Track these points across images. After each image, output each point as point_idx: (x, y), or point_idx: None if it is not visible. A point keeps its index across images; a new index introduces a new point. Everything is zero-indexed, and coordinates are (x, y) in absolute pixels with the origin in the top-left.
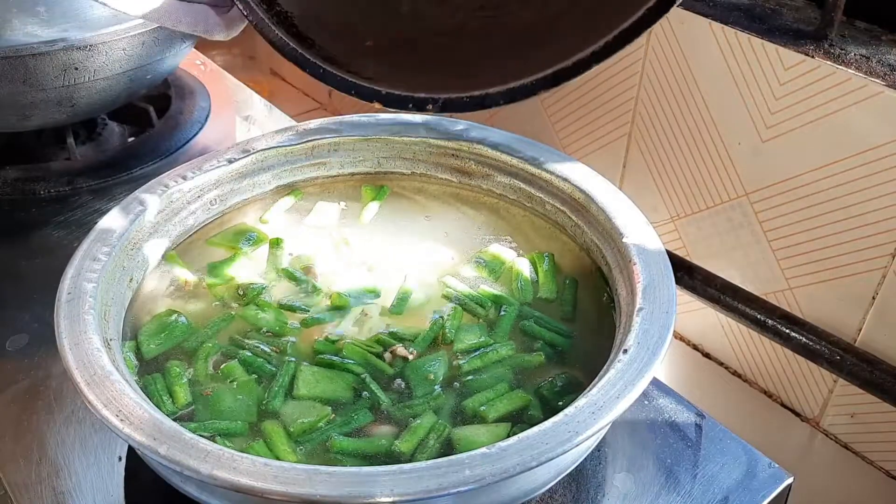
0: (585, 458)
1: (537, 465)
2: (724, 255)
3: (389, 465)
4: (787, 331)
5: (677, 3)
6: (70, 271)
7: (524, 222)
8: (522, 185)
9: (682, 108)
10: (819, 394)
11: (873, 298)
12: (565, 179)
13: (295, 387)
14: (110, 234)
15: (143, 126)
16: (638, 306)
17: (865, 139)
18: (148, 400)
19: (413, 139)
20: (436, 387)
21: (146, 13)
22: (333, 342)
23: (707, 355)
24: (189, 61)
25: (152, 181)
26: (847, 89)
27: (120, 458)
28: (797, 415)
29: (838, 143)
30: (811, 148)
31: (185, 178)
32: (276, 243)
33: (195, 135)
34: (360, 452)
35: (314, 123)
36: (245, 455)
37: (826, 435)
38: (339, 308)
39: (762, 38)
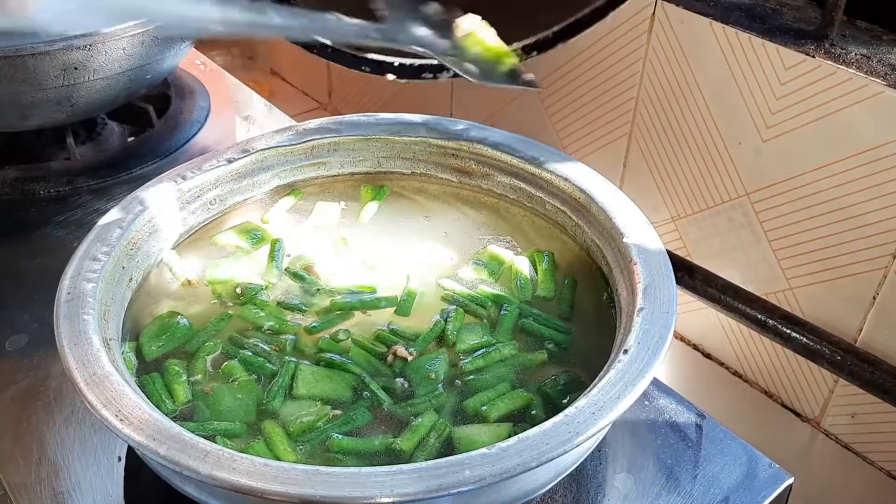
0: (586, 459)
1: (537, 466)
2: (724, 255)
3: (389, 466)
4: (788, 331)
5: None
6: (70, 271)
7: (524, 222)
8: (523, 185)
9: (682, 107)
10: (820, 394)
11: (874, 299)
12: (566, 179)
13: (294, 386)
14: (110, 234)
15: (142, 126)
16: (638, 306)
17: (866, 139)
18: (147, 400)
19: (413, 139)
20: (437, 386)
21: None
22: (337, 341)
23: (707, 355)
24: (189, 61)
25: (152, 181)
26: (848, 89)
27: (119, 459)
28: (798, 415)
29: (839, 143)
30: (812, 148)
31: (184, 177)
32: (277, 243)
33: (195, 135)
34: (360, 451)
35: (314, 123)
36: (244, 455)
37: (827, 435)
38: (340, 310)
39: (763, 38)
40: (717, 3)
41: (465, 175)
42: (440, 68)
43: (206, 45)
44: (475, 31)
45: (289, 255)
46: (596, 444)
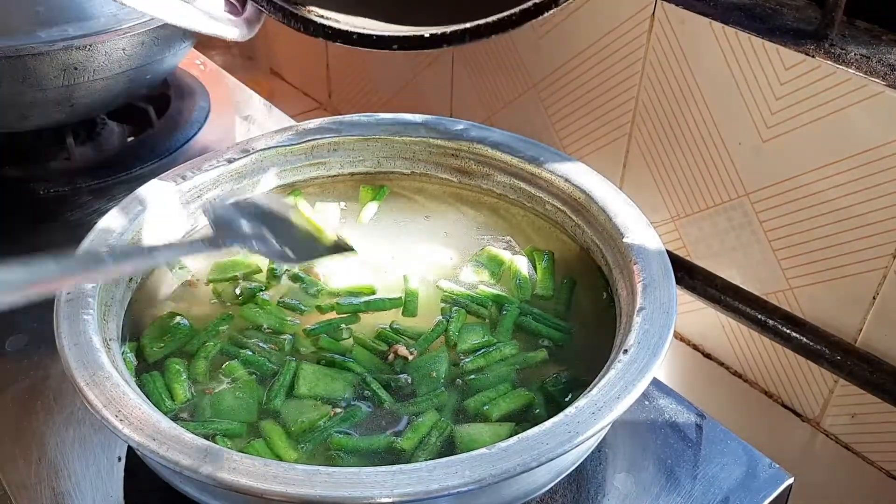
0: (586, 459)
1: (538, 466)
2: (724, 255)
3: (389, 466)
4: (788, 331)
5: None
6: None
7: (524, 222)
8: (522, 185)
9: (682, 107)
10: (820, 394)
11: (874, 299)
12: (566, 179)
13: (296, 385)
14: (110, 234)
15: (142, 126)
16: (638, 306)
17: (866, 139)
18: (147, 400)
19: (413, 139)
20: (439, 385)
21: (163, 12)
22: (338, 340)
23: (707, 355)
24: (188, 61)
25: (152, 181)
26: (848, 89)
27: (119, 459)
28: (798, 415)
29: (839, 143)
30: (812, 148)
31: (184, 178)
32: None
33: (195, 135)
34: (360, 450)
35: (314, 123)
36: (244, 455)
37: (827, 435)
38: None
39: (763, 38)
40: (717, 3)
41: (465, 175)
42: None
43: (205, 44)
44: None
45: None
46: (596, 445)
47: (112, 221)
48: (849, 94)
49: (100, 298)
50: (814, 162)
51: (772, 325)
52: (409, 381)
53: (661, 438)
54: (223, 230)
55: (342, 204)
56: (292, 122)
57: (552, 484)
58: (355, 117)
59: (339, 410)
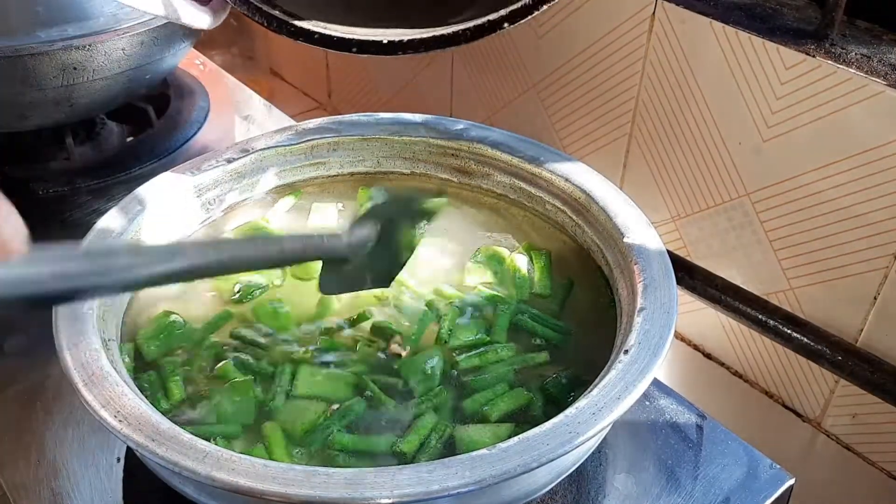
0: (586, 459)
1: (538, 467)
2: (725, 255)
3: (389, 466)
4: (789, 331)
5: None
6: None
7: (524, 222)
8: (522, 185)
9: (682, 107)
10: (820, 394)
11: (875, 299)
12: (566, 179)
13: (294, 386)
14: (109, 234)
15: (142, 126)
16: (639, 306)
17: (866, 139)
18: (146, 401)
19: (413, 139)
20: (436, 384)
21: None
22: (334, 343)
23: (708, 356)
24: (188, 61)
25: (151, 181)
26: (848, 89)
27: (118, 459)
28: (798, 415)
29: (839, 143)
30: (812, 148)
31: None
32: None
33: (194, 135)
34: (361, 450)
35: (313, 123)
36: (244, 456)
37: (827, 436)
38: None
39: (763, 38)
40: (717, 3)
41: (465, 175)
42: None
43: (205, 44)
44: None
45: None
46: (596, 445)
47: (111, 221)
48: (849, 94)
49: (99, 299)
50: (814, 162)
51: (772, 325)
52: (406, 380)
53: (661, 439)
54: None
55: (340, 205)
56: (292, 122)
57: (553, 484)
58: (355, 117)
59: (336, 407)
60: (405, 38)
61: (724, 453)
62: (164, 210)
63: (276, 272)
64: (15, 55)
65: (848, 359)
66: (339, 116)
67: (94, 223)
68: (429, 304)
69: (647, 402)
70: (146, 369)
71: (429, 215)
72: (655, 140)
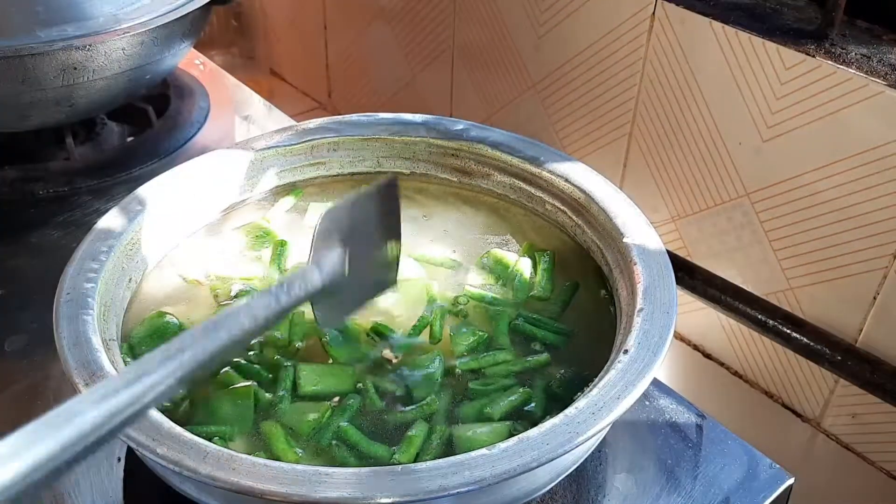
0: (586, 459)
1: (538, 466)
2: (724, 255)
3: (389, 466)
4: (788, 331)
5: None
6: (69, 271)
7: (524, 222)
8: (522, 185)
9: (682, 107)
10: (820, 394)
11: (874, 299)
12: (566, 179)
13: (298, 386)
14: (109, 234)
15: (142, 126)
16: (638, 307)
17: (866, 139)
18: None
19: (413, 139)
20: (435, 386)
21: None
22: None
23: (708, 356)
24: (188, 61)
25: (151, 181)
26: (848, 89)
27: (119, 459)
28: (798, 415)
29: (839, 143)
30: (812, 148)
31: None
32: (280, 245)
33: (194, 135)
34: (362, 450)
35: (313, 123)
36: (244, 456)
37: (827, 436)
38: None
39: (763, 38)
40: (717, 3)
41: (465, 175)
42: None
43: (205, 44)
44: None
45: (282, 255)
46: (596, 445)
47: (112, 222)
48: (849, 94)
49: (99, 299)
50: (814, 162)
51: (772, 325)
52: (405, 382)
53: (661, 439)
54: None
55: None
56: (292, 122)
57: (552, 484)
58: (355, 117)
59: (338, 400)
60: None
61: (723, 453)
62: (164, 210)
63: (276, 275)
64: (15, 55)
65: (848, 359)
66: (339, 116)
67: (94, 223)
68: (429, 303)
69: (647, 402)
70: None
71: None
72: (655, 140)
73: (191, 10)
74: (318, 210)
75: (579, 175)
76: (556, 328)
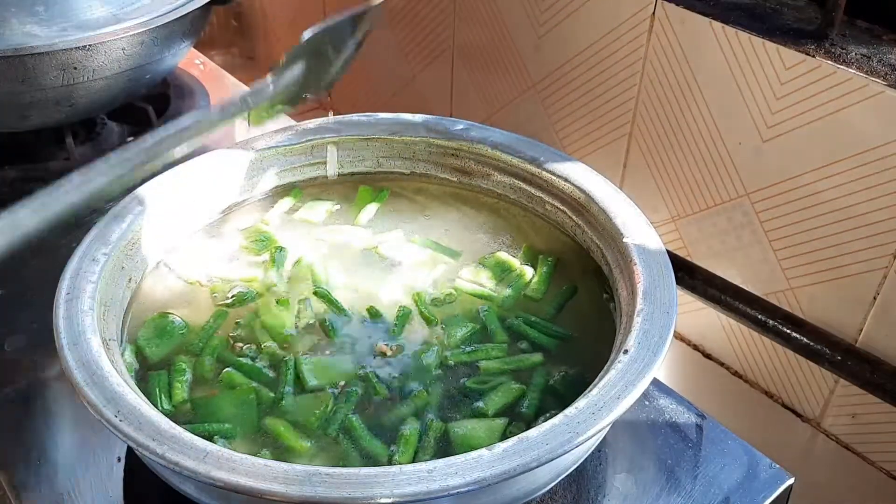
0: (586, 459)
1: (538, 466)
2: (724, 255)
3: (389, 466)
4: (788, 331)
5: None
6: (69, 271)
7: (524, 222)
8: (522, 185)
9: (682, 107)
10: (820, 394)
11: (874, 299)
12: (566, 179)
13: (302, 381)
14: (110, 234)
15: (142, 126)
16: (638, 306)
17: (866, 139)
18: (147, 400)
19: (413, 139)
20: (430, 381)
21: None
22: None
23: (708, 356)
24: (188, 61)
25: (151, 181)
26: (848, 89)
27: (119, 459)
28: (798, 415)
29: (839, 143)
30: (812, 148)
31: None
32: (279, 250)
33: None
34: (363, 446)
35: (314, 123)
36: (244, 455)
37: (827, 435)
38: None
39: (763, 38)
40: (717, 3)
41: (465, 175)
42: None
43: (205, 44)
44: None
45: (277, 253)
46: (596, 445)
47: (112, 221)
48: (849, 94)
49: (99, 298)
50: (814, 162)
51: (772, 325)
52: (401, 374)
53: (661, 438)
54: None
55: (336, 206)
56: (292, 122)
57: (552, 484)
58: (355, 117)
59: (343, 384)
60: None
61: (723, 453)
62: (164, 210)
63: (274, 276)
64: (15, 55)
65: (847, 359)
66: (339, 116)
67: (95, 223)
68: (416, 300)
69: (647, 402)
70: (149, 370)
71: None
72: (655, 140)
73: (191, 10)
74: (313, 208)
75: (579, 175)
76: (551, 330)
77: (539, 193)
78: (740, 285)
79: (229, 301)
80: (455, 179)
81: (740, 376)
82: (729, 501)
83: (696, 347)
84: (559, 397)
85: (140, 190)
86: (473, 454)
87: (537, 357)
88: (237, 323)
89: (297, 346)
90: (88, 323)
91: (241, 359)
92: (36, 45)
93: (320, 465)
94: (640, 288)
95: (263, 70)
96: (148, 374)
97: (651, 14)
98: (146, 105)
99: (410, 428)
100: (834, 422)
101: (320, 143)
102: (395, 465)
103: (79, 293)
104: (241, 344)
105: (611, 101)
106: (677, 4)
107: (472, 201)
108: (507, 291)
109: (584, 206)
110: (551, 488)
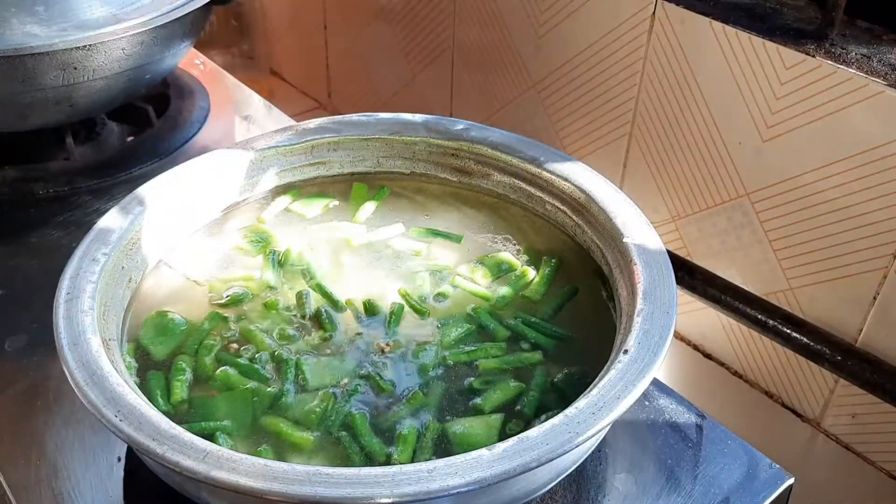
0: (586, 459)
1: (538, 466)
2: (724, 255)
3: (389, 466)
4: (788, 331)
5: None
6: (69, 271)
7: (524, 222)
8: (522, 185)
9: (682, 107)
10: (820, 394)
11: (874, 299)
12: (566, 179)
13: (303, 380)
14: (109, 233)
15: (142, 126)
16: (638, 306)
17: (866, 139)
18: (147, 400)
19: (413, 139)
20: (427, 379)
21: None
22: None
23: (708, 356)
24: (188, 61)
25: (151, 181)
26: (848, 89)
27: (119, 459)
28: (798, 415)
29: (839, 143)
30: (812, 148)
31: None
32: (274, 251)
33: (194, 135)
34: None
35: (313, 123)
36: (244, 455)
37: (827, 435)
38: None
39: (763, 38)
40: (718, 3)
41: (465, 175)
42: None
43: (205, 44)
44: None
45: (275, 253)
46: (596, 445)
47: (112, 222)
48: (849, 94)
49: (99, 298)
50: (814, 162)
51: (772, 325)
52: (399, 372)
53: (661, 438)
54: None
55: (332, 203)
56: (292, 122)
57: (552, 484)
58: (355, 117)
59: (346, 381)
60: None
61: (723, 453)
62: (164, 210)
63: (272, 277)
64: (15, 55)
65: (848, 359)
66: (339, 116)
67: (94, 223)
68: (404, 296)
69: (647, 402)
70: (150, 370)
71: None
72: (655, 140)
73: (191, 10)
74: (309, 204)
75: (579, 175)
76: (550, 331)
77: (539, 193)
78: (740, 285)
79: (224, 301)
80: (455, 179)
81: (740, 376)
82: (729, 501)
83: (696, 347)
84: (558, 397)
85: (140, 190)
86: (473, 454)
87: (536, 356)
88: (232, 323)
89: (297, 345)
90: (88, 323)
91: (239, 359)
92: (36, 45)
93: (320, 464)
94: (640, 288)
95: (264, 70)
96: (147, 375)
97: (651, 14)
98: (146, 105)
99: (409, 427)
100: (834, 422)
101: (320, 143)
102: (394, 464)
103: (79, 293)
104: (235, 345)
105: (611, 101)
106: (677, 4)
107: (472, 201)
108: (505, 291)
109: (584, 206)
110: (551, 488)
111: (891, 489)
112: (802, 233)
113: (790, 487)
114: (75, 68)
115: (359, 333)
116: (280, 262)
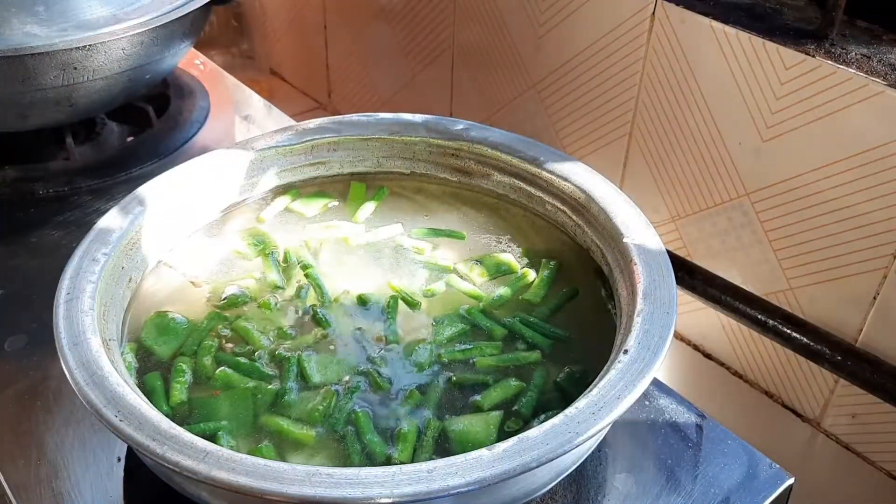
0: (586, 459)
1: (538, 467)
2: (724, 255)
3: (389, 466)
4: (788, 331)
5: None
6: (69, 271)
7: (524, 222)
8: (522, 185)
9: (682, 107)
10: (820, 394)
11: (874, 299)
12: (566, 179)
13: (306, 377)
14: (109, 233)
15: (142, 126)
16: (638, 307)
17: (866, 139)
18: (147, 400)
19: (413, 139)
20: (425, 377)
21: None
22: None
23: (708, 356)
24: (188, 61)
25: (151, 181)
26: (848, 89)
27: (119, 459)
28: (798, 415)
29: (839, 143)
30: (812, 148)
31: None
32: (273, 252)
33: (194, 135)
34: (366, 440)
35: (313, 123)
36: (244, 455)
37: (827, 435)
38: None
39: (763, 38)
40: (718, 3)
41: (465, 175)
42: None
43: (205, 44)
44: None
45: (275, 253)
46: (596, 445)
47: (112, 222)
48: (849, 94)
49: (99, 298)
50: (814, 162)
51: (772, 325)
52: (398, 369)
53: (661, 438)
54: None
55: (331, 203)
56: (292, 122)
57: (552, 484)
58: (355, 117)
59: (347, 379)
60: None
61: (723, 453)
62: (164, 210)
63: (270, 277)
64: (15, 55)
65: (847, 359)
66: (339, 116)
67: (95, 223)
68: (396, 291)
69: (647, 402)
70: (151, 370)
71: None
72: (655, 140)
73: (191, 10)
74: (308, 203)
75: (579, 175)
76: (548, 330)
77: (539, 193)
78: (740, 285)
79: (223, 302)
80: (455, 179)
81: (740, 376)
82: (729, 501)
83: (696, 347)
84: (558, 396)
85: (140, 190)
86: (473, 454)
87: (534, 355)
88: (231, 322)
89: (296, 343)
90: (88, 323)
91: (239, 358)
92: (36, 45)
93: (321, 462)
94: (640, 288)
95: (264, 70)
96: (147, 375)
97: (651, 14)
98: (146, 105)
99: (408, 426)
100: (834, 422)
101: (320, 143)
102: (394, 464)
103: (79, 293)
104: (231, 345)
105: (611, 101)
106: (677, 4)
107: (472, 201)
108: (501, 291)
109: (584, 206)
110: (551, 488)
111: (891, 489)
112: (802, 233)
113: (790, 487)
114: (75, 68)
115: (358, 328)
116: (280, 261)
